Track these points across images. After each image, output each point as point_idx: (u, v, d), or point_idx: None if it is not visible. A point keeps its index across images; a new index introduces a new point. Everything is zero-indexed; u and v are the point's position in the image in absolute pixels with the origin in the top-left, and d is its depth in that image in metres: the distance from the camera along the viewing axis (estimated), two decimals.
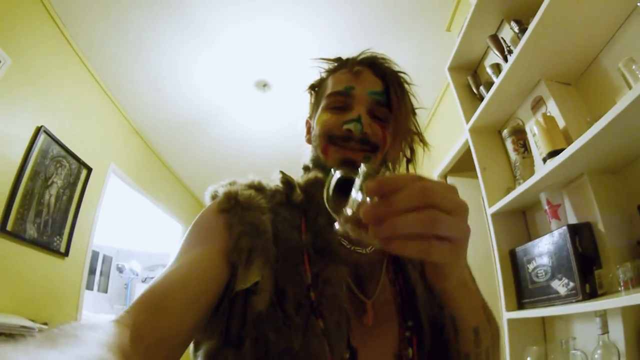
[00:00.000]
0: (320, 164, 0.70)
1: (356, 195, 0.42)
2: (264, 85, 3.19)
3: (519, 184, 1.55)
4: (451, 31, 2.63)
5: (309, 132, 0.80)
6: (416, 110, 0.79)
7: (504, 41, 1.76)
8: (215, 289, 0.52)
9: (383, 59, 0.76)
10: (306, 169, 0.75)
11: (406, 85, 0.77)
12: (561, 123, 1.45)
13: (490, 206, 1.75)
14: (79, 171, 2.89)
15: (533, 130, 1.47)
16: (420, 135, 0.80)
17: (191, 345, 0.56)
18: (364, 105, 0.69)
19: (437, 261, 0.43)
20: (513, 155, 1.61)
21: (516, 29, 1.63)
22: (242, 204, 0.60)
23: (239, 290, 0.52)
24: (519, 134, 1.61)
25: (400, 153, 0.77)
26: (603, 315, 1.08)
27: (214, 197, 0.65)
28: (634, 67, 1.16)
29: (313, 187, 0.65)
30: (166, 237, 5.66)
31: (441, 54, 2.23)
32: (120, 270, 8.36)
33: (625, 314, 1.09)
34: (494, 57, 1.92)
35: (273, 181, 0.71)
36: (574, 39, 1.40)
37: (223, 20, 2.64)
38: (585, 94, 1.52)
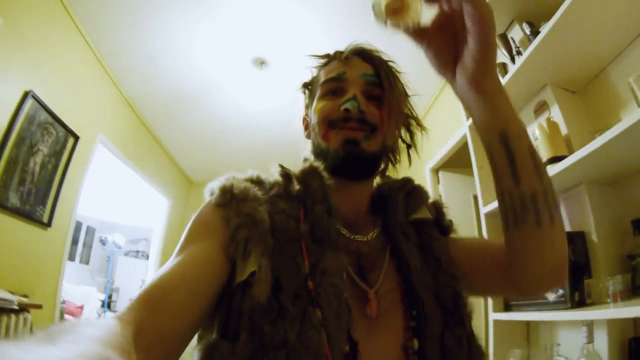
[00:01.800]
0: (322, 152, 0.69)
1: None
2: (262, 63, 3.12)
3: None
4: None
5: (306, 127, 0.80)
6: (411, 96, 0.79)
7: (513, 41, 1.75)
8: (215, 285, 0.52)
9: (371, 48, 0.77)
10: (305, 161, 0.73)
11: (396, 72, 0.77)
12: (563, 130, 1.46)
13: (484, 205, 1.77)
14: (65, 139, 2.80)
15: (535, 134, 1.48)
16: (416, 119, 0.80)
17: (195, 340, 0.56)
18: (358, 86, 0.70)
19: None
20: None
21: (527, 31, 1.62)
22: (237, 197, 0.59)
23: (237, 283, 0.52)
24: None
25: (398, 137, 0.78)
26: (590, 324, 1.11)
27: (212, 194, 0.64)
28: None
29: (309, 177, 0.64)
30: (151, 212, 5.59)
31: None
32: (103, 242, 8.29)
33: (611, 325, 1.12)
34: (500, 56, 1.92)
35: (272, 175, 0.70)
36: (585, 46, 1.40)
37: None
38: (589, 104, 1.53)
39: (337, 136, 0.67)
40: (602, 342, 1.12)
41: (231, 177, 0.65)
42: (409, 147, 0.80)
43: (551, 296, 1.28)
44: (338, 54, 0.76)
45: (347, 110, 0.66)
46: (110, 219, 8.56)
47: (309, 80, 0.83)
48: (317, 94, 0.74)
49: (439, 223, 0.73)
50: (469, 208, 3.00)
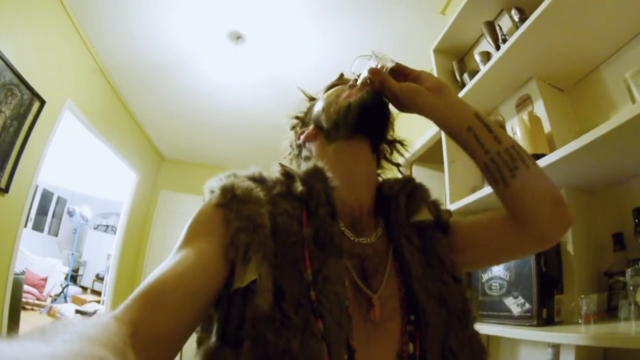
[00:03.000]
0: (343, 111, 0.70)
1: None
2: (238, 38, 2.88)
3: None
4: (445, 15, 2.42)
5: (302, 133, 0.80)
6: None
7: (500, 29, 1.57)
8: (213, 286, 0.51)
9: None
10: (307, 158, 0.74)
11: None
12: (547, 128, 1.29)
13: (452, 202, 1.60)
14: (31, 103, 2.55)
15: (514, 128, 1.30)
16: (400, 141, 0.85)
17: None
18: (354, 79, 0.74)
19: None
20: None
21: (516, 18, 1.44)
22: (239, 198, 0.57)
23: (236, 289, 0.51)
24: None
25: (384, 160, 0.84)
26: (556, 346, 0.96)
27: (212, 191, 0.61)
28: None
29: (313, 178, 0.63)
30: (122, 185, 5.28)
31: (430, 37, 2.02)
32: (70, 214, 7.94)
33: (580, 350, 0.96)
34: (485, 46, 1.74)
35: (273, 173, 0.69)
36: (578, 41, 1.24)
37: None
38: (577, 104, 1.37)
39: (357, 92, 0.69)
40: None
41: (232, 175, 0.63)
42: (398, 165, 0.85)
43: (516, 310, 1.12)
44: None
45: (355, 80, 0.72)
46: (82, 191, 8.16)
47: (301, 115, 0.86)
48: (322, 96, 0.80)
49: (439, 222, 0.72)
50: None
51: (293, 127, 0.87)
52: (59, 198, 8.13)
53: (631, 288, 0.84)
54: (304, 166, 0.66)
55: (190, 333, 0.51)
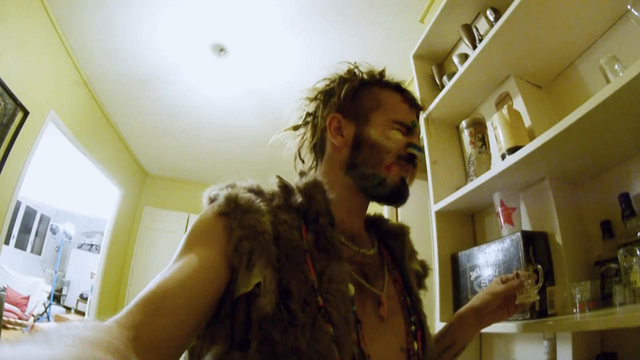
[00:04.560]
0: (378, 179, 0.70)
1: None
2: (221, 50, 2.83)
3: (471, 180, 1.34)
4: (424, 23, 2.42)
5: (338, 131, 0.75)
6: None
7: (477, 31, 1.56)
8: (214, 292, 0.51)
9: (419, 103, 0.82)
10: (302, 174, 0.73)
11: None
12: (527, 122, 1.26)
13: (435, 202, 1.54)
14: (14, 112, 2.46)
15: (494, 123, 1.27)
16: None
17: (185, 354, 0.56)
18: (418, 139, 0.75)
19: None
20: (469, 149, 1.40)
21: (491, 18, 1.42)
22: (241, 207, 0.57)
23: (240, 295, 0.51)
24: (478, 127, 1.40)
25: None
26: (552, 339, 0.90)
27: (212, 199, 0.62)
28: (616, 66, 0.97)
29: (313, 190, 0.65)
30: (105, 203, 5.09)
31: (410, 44, 2.01)
32: (53, 231, 7.60)
33: (576, 340, 0.90)
34: (464, 49, 1.72)
35: (270, 185, 0.69)
36: (552, 37, 1.22)
37: None
38: (556, 100, 1.35)
39: (399, 173, 0.71)
40: (565, 359, 0.90)
41: (232, 186, 0.63)
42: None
43: None
44: (407, 96, 0.79)
45: (414, 156, 0.72)
46: (65, 208, 7.85)
47: (356, 83, 0.78)
48: (387, 119, 0.73)
49: (420, 280, 0.83)
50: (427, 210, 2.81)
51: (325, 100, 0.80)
52: (42, 216, 7.82)
53: (625, 265, 0.79)
54: (302, 180, 0.68)
55: (191, 339, 0.51)
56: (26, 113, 2.55)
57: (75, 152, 3.56)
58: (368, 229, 0.80)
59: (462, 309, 0.84)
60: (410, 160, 0.72)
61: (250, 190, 0.63)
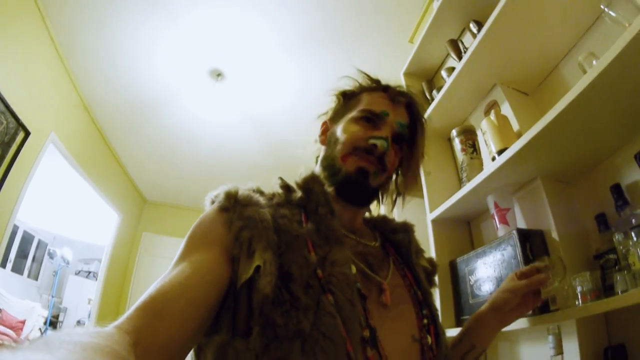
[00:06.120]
0: (334, 169, 0.70)
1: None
2: (218, 75, 2.87)
3: (465, 186, 1.33)
4: (413, 43, 2.48)
5: (324, 132, 0.80)
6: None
7: (463, 44, 1.59)
8: (215, 294, 0.50)
9: (416, 100, 0.79)
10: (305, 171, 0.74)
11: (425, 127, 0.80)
12: (515, 127, 1.26)
13: (431, 211, 1.52)
14: (16, 132, 2.42)
15: (483, 128, 1.27)
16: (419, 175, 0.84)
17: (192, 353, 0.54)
18: (390, 130, 0.72)
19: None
20: (460, 156, 1.40)
21: (475, 30, 1.46)
22: (241, 202, 0.58)
23: (242, 283, 0.50)
24: (468, 134, 1.41)
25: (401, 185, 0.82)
26: (557, 334, 0.86)
27: (213, 202, 0.62)
28: (594, 62, 0.99)
29: (311, 182, 0.65)
30: (104, 229, 4.99)
31: (400, 62, 2.05)
32: (51, 256, 7.40)
33: (582, 333, 0.87)
34: (451, 63, 1.76)
35: (272, 187, 0.70)
36: (532, 44, 1.25)
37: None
38: (543, 106, 1.35)
39: (354, 162, 0.68)
40: (572, 354, 0.86)
41: (234, 186, 0.63)
42: (399, 194, 0.83)
43: None
44: (391, 91, 0.77)
45: (374, 145, 0.68)
46: (63, 234, 7.67)
47: (349, 91, 0.81)
48: (353, 114, 0.74)
49: (429, 276, 0.79)
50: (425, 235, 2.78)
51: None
52: (39, 241, 7.63)
53: (622, 250, 0.77)
54: (300, 176, 0.68)
55: (193, 342, 0.49)
56: (27, 133, 2.52)
57: (74, 176, 3.50)
58: (372, 229, 0.78)
59: (480, 311, 0.78)
60: (371, 152, 0.69)
61: (251, 190, 0.64)
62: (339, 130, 0.74)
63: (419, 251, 0.80)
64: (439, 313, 1.22)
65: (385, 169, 0.70)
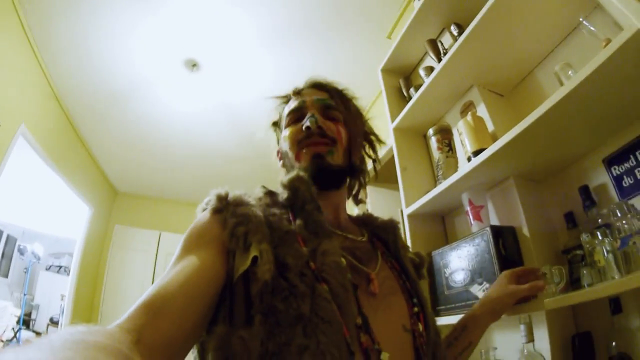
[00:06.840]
0: (294, 170, 0.71)
1: None
2: (193, 65, 2.80)
3: (440, 183, 1.37)
4: (391, 39, 2.50)
5: (281, 158, 0.82)
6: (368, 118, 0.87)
7: (442, 45, 1.62)
8: (213, 291, 0.51)
9: (323, 79, 0.82)
10: (290, 168, 0.77)
11: (350, 97, 0.84)
12: (490, 127, 1.31)
13: (407, 206, 1.56)
14: None
15: (460, 128, 1.31)
16: (375, 135, 0.88)
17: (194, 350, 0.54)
18: (315, 109, 0.75)
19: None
20: (436, 154, 1.44)
21: (455, 33, 1.49)
22: (233, 202, 0.60)
23: (239, 275, 0.51)
24: (445, 133, 1.44)
25: (363, 152, 0.84)
26: (528, 323, 0.91)
27: (205, 209, 0.63)
28: (570, 72, 1.04)
29: (297, 182, 0.66)
30: (74, 222, 4.79)
31: (378, 58, 2.06)
32: (21, 252, 7.05)
33: (551, 322, 0.93)
34: (429, 63, 1.78)
35: (256, 194, 0.71)
36: (510, 49, 1.29)
37: None
38: (517, 107, 1.41)
39: (306, 155, 0.71)
40: (542, 341, 0.92)
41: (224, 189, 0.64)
42: (374, 161, 0.87)
43: (482, 295, 1.07)
44: (295, 90, 0.81)
45: (308, 127, 0.71)
46: (33, 228, 7.32)
47: (276, 119, 0.86)
48: (283, 125, 0.79)
49: (418, 269, 0.82)
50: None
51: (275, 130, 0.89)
52: (8, 236, 7.25)
53: (589, 248, 0.83)
54: (285, 176, 0.69)
55: (194, 340, 0.50)
56: None
57: (43, 168, 3.35)
58: (359, 226, 0.81)
59: (476, 313, 0.83)
60: (310, 135, 0.72)
61: None
62: (283, 144, 0.77)
63: (405, 247, 0.83)
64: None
65: (334, 140, 0.72)
